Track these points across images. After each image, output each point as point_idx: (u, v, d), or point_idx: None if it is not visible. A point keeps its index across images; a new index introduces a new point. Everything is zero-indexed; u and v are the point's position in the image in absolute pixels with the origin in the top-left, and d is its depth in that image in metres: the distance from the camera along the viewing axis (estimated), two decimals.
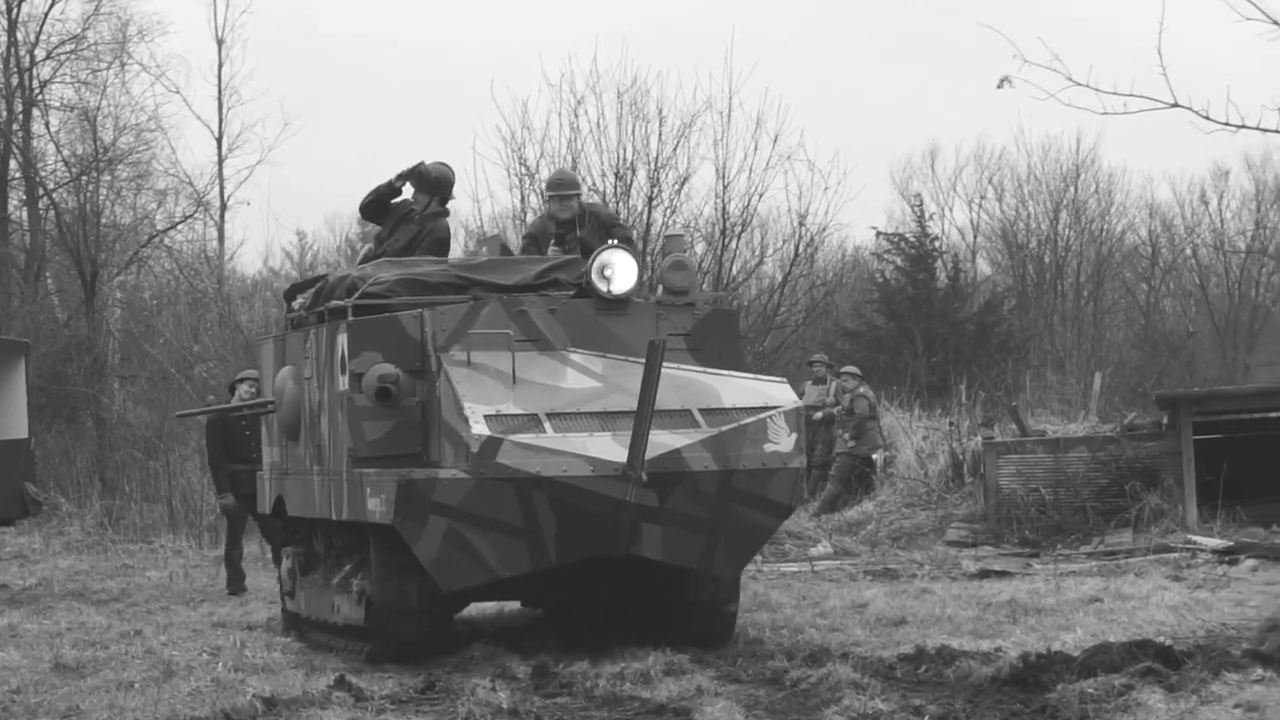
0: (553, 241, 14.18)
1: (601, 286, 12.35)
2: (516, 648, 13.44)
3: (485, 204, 28.74)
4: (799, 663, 11.94)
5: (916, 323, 43.29)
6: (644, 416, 10.35)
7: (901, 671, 12.65)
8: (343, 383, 12.00)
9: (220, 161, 32.96)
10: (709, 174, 29.12)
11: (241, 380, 19.90)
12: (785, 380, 12.56)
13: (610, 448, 10.93)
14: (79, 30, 32.38)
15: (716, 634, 12.73)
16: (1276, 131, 12.90)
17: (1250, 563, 19.01)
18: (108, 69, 33.02)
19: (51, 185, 32.72)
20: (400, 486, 10.86)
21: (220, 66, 34.14)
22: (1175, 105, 12.35)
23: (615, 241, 13.10)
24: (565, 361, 12.00)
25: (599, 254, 12.40)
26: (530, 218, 25.38)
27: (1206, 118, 12.27)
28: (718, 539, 11.59)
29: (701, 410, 11.46)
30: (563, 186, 14.39)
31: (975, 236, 61.31)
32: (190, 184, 32.84)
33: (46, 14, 32.48)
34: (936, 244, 48.90)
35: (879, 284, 47.88)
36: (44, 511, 22.75)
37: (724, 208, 28.31)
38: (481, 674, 13.29)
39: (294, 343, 14.36)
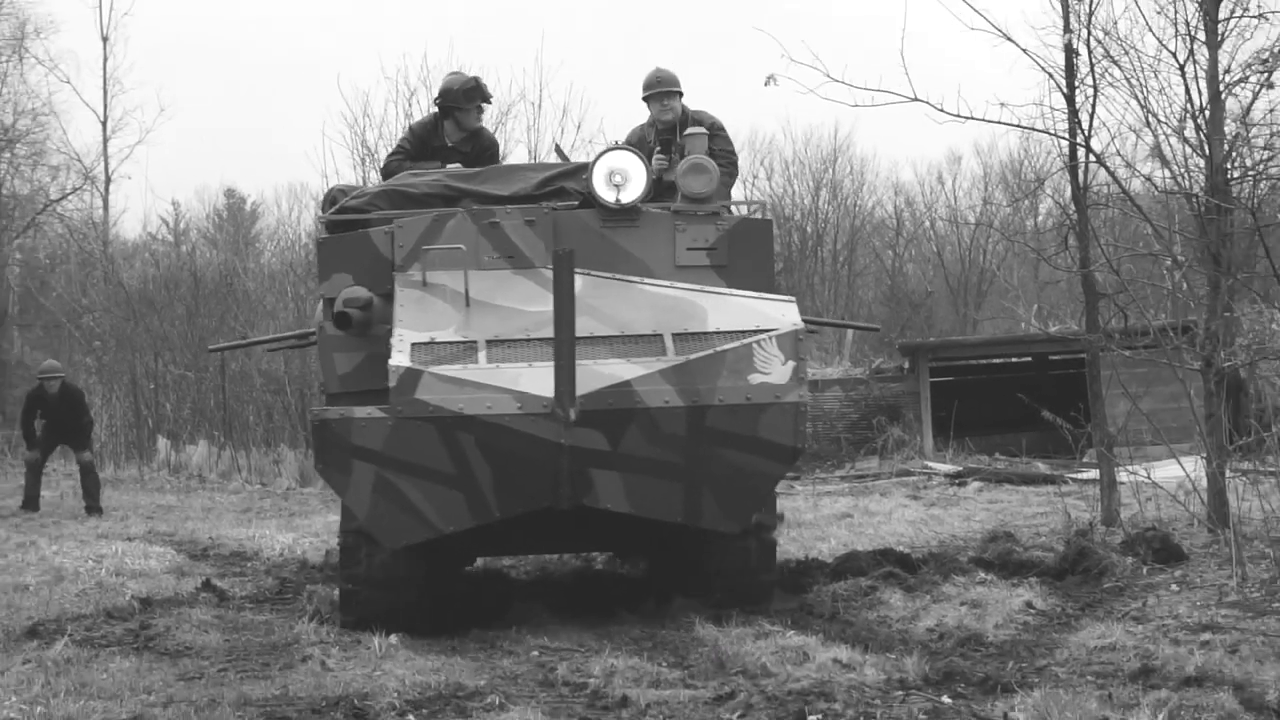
0: (656, 150, 11.07)
1: (608, 196, 9.41)
2: None
3: (332, 179, 28.67)
4: None
5: None
6: (563, 341, 7.86)
7: None
8: (319, 309, 9.38)
9: (105, 142, 33.82)
10: (523, 155, 29.53)
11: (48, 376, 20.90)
12: (793, 299, 9.49)
13: (547, 381, 8.16)
14: None
15: (751, 603, 9.84)
16: (998, 122, 13.73)
17: (976, 484, 19.91)
18: (7, 62, 33.73)
19: None
20: (315, 428, 8.39)
21: (105, 60, 34.21)
22: (915, 99, 13.23)
23: (619, 142, 10.18)
24: (541, 282, 9.03)
25: (601, 157, 9.52)
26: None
27: (940, 110, 13.04)
28: (701, 488, 8.70)
29: (676, 335, 8.63)
30: (662, 84, 11.00)
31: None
32: (79, 161, 34.24)
33: None
34: None
35: None
36: None
37: None
38: (328, 579, 13.40)
39: None
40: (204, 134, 61.86)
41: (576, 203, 9.54)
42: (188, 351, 25.74)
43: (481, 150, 10.82)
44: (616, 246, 9.40)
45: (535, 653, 9.01)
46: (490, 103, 11.01)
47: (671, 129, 10.80)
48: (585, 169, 9.72)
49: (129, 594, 12.76)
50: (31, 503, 20.09)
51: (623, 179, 9.35)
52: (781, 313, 8.98)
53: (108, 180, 34.13)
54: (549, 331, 8.23)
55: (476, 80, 10.77)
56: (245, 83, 61.77)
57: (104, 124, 34.56)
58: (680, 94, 10.99)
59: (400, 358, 8.19)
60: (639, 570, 11.58)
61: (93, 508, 19.77)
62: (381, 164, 10.76)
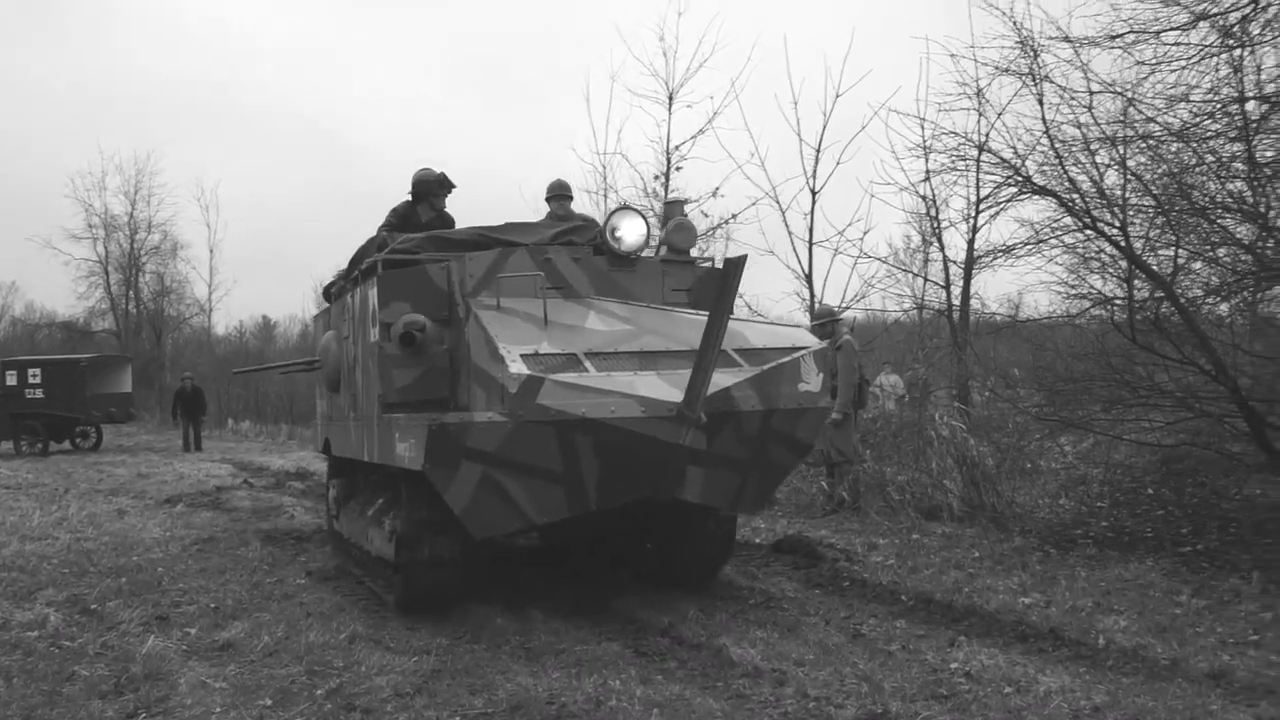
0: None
1: (615, 245, 6.80)
2: None
3: (309, 310, 33.30)
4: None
5: None
6: (710, 350, 5.25)
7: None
8: (374, 334, 6.74)
9: (210, 294, 43.46)
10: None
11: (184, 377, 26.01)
12: (802, 325, 7.25)
13: (660, 387, 5.64)
14: (157, 244, 42.00)
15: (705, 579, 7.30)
16: None
17: None
18: (169, 261, 42.64)
19: (145, 301, 42.89)
20: (431, 432, 5.66)
21: (211, 257, 43.85)
22: None
23: (625, 203, 7.34)
24: (591, 307, 6.51)
25: (611, 216, 7.02)
26: None
27: None
28: (749, 479, 6.23)
29: (737, 351, 6.10)
30: (563, 190, 8.34)
31: None
32: (198, 302, 43.11)
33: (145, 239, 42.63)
34: None
35: None
36: (136, 417, 27.66)
37: None
38: (299, 479, 14.26)
39: (335, 312, 8.52)
40: (255, 290, 67.99)
41: (591, 249, 7.00)
42: (240, 380, 34.96)
43: (445, 225, 8.14)
44: (620, 286, 6.90)
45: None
46: (455, 188, 8.41)
47: (563, 219, 8.12)
48: (588, 228, 7.38)
49: (211, 484, 13.60)
50: (188, 449, 23.55)
51: (624, 233, 6.88)
52: (802, 335, 6.62)
53: (210, 311, 43.57)
54: (630, 346, 5.98)
55: (443, 176, 8.25)
56: (277, 266, 65.41)
57: (209, 285, 43.40)
58: (571, 198, 8.53)
59: (518, 367, 5.51)
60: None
61: (199, 449, 23.46)
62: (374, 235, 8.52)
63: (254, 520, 10.25)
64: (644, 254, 7.19)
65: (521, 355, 5.63)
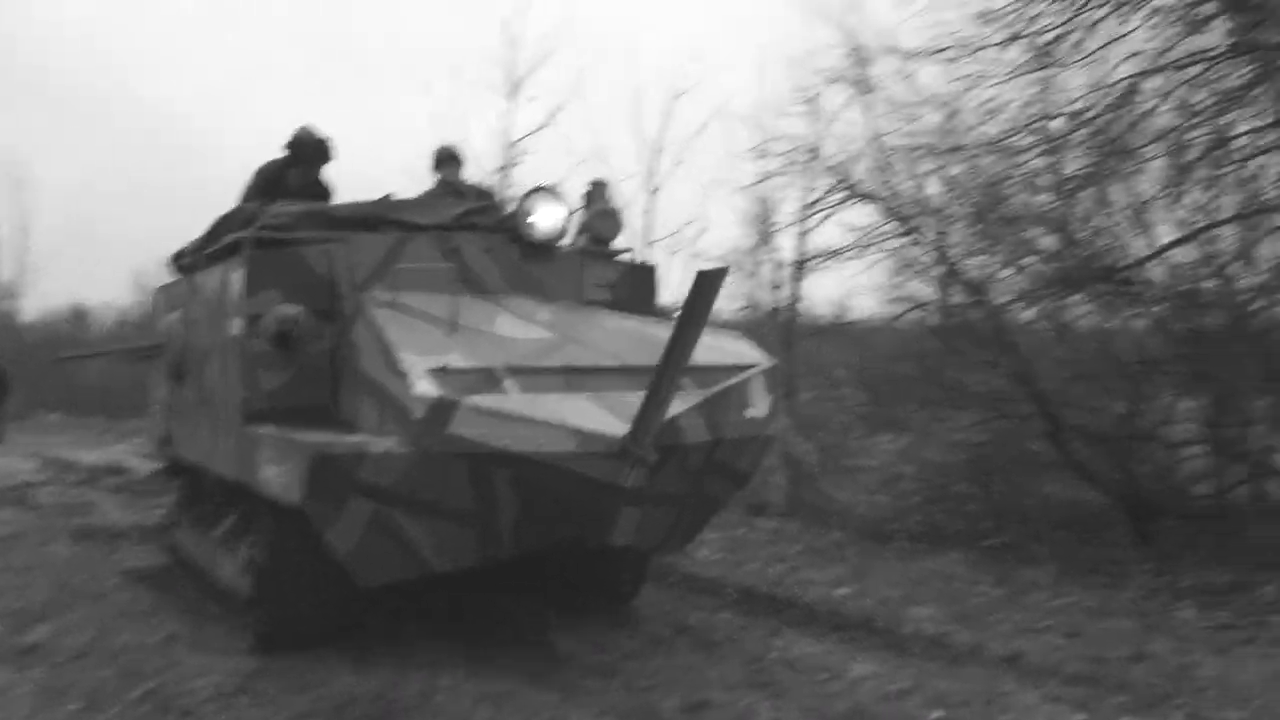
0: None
1: (527, 231, 5.86)
2: None
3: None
4: None
5: None
6: (669, 378, 4.07)
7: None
8: (237, 325, 5.58)
9: (14, 279, 38.07)
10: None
11: None
12: (742, 334, 5.81)
13: (596, 415, 4.49)
14: None
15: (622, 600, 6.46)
16: None
17: None
18: None
19: None
20: (314, 463, 4.50)
21: (21, 239, 38.43)
22: None
23: (542, 184, 6.02)
24: (505, 307, 5.55)
25: (525, 197, 6.03)
26: None
27: None
28: (682, 517, 5.13)
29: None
30: (452, 155, 7.03)
31: None
32: (3, 285, 38.18)
33: None
34: None
35: None
36: None
37: None
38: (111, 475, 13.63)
39: (185, 289, 7.02)
40: (70, 276, 63.37)
41: (505, 236, 6.03)
42: (53, 369, 31.14)
43: (318, 196, 6.90)
44: (534, 279, 5.97)
45: None
46: (332, 160, 7.01)
47: (454, 189, 7.02)
48: (495, 209, 6.49)
49: (17, 479, 13.13)
50: None
51: (539, 216, 5.96)
52: (749, 349, 5.57)
53: (16, 295, 38.65)
54: (553, 360, 4.95)
55: (326, 142, 6.94)
56: (96, 252, 61.08)
57: (20, 267, 38.37)
58: (462, 163, 7.27)
59: (425, 386, 4.49)
60: None
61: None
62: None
63: (63, 517, 9.95)
64: (560, 242, 6.34)
65: (428, 370, 4.64)
